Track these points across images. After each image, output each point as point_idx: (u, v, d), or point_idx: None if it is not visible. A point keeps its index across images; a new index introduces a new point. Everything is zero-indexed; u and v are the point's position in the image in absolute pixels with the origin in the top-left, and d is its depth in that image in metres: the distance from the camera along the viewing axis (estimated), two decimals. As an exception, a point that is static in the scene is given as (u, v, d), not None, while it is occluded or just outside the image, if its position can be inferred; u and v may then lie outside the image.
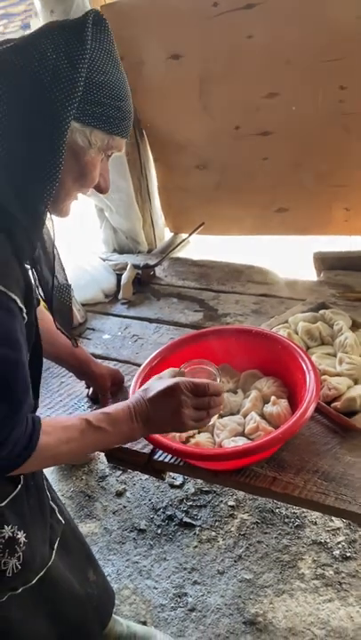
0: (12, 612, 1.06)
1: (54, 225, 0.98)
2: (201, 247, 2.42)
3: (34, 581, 1.06)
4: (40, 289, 0.99)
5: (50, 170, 0.79)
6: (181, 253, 2.36)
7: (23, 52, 0.78)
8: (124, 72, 0.87)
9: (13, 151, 0.78)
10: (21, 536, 1.01)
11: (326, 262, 1.97)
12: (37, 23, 2.52)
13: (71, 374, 1.41)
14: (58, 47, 0.77)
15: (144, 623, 1.70)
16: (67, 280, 1.09)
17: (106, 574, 1.56)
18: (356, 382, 1.29)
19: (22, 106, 0.77)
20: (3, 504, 0.99)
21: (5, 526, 0.98)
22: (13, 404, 0.83)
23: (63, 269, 1.07)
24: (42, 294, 1.01)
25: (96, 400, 1.42)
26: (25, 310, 0.85)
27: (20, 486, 1.02)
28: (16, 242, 0.82)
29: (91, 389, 1.44)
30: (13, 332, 0.82)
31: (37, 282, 0.97)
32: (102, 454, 1.43)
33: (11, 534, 0.98)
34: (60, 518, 1.19)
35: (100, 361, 1.44)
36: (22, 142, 0.78)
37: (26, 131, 0.78)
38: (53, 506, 1.17)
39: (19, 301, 0.82)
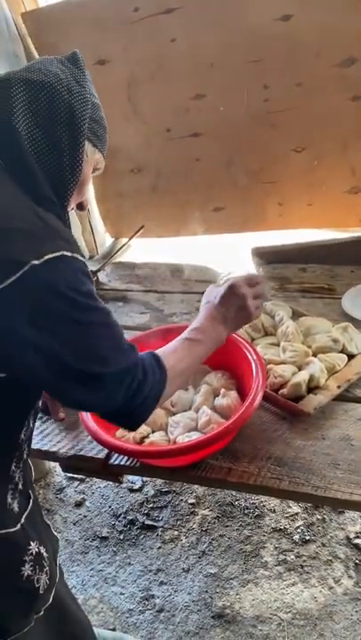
0: None
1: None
2: (143, 250, 2.43)
3: (50, 600, 1.03)
4: None
5: (74, 166, 0.89)
6: (123, 257, 2.36)
7: (37, 73, 0.87)
8: None
9: (42, 153, 0.86)
10: (43, 551, 0.98)
11: (264, 256, 2.03)
12: None
13: None
14: (64, 71, 0.90)
15: (113, 630, 1.69)
16: None
17: (70, 586, 1.54)
18: (300, 368, 1.33)
19: (44, 114, 0.85)
20: (23, 520, 0.96)
21: (31, 542, 0.96)
22: (127, 341, 0.92)
23: None
24: None
25: (46, 410, 1.39)
26: None
27: (31, 501, 1.01)
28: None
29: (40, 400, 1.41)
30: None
31: None
32: (57, 466, 1.41)
33: (37, 550, 0.96)
34: (55, 533, 1.17)
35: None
36: (49, 144, 0.86)
37: (50, 135, 0.86)
38: (48, 522, 1.15)
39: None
